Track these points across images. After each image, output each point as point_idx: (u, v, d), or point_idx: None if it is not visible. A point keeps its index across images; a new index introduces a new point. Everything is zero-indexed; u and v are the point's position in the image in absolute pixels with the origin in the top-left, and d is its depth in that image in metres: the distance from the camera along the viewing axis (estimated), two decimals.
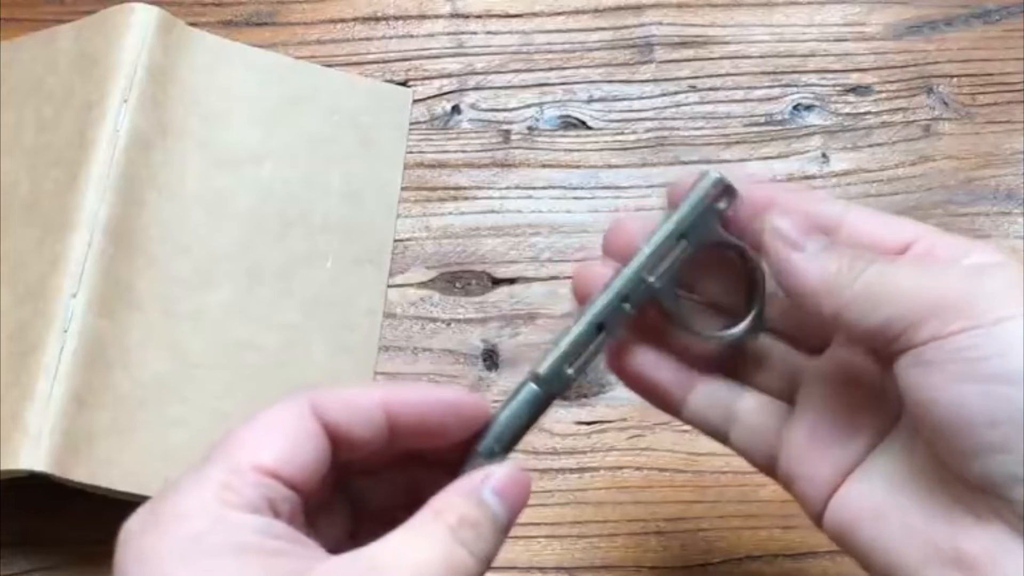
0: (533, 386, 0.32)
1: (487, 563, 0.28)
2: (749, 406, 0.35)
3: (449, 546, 0.27)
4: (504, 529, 0.29)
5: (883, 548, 0.30)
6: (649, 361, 0.35)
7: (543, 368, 0.33)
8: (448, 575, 0.27)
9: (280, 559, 0.26)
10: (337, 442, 0.29)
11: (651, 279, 0.33)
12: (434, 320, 0.52)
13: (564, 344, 0.33)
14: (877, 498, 0.31)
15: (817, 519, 0.33)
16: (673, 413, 0.36)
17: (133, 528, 0.27)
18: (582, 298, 0.34)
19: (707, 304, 0.36)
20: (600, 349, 0.33)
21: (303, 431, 0.28)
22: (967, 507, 0.28)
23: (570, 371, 0.33)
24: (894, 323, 0.28)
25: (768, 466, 0.35)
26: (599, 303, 0.33)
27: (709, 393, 0.35)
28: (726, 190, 0.33)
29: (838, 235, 0.31)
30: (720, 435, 0.36)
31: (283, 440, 0.28)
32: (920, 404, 0.28)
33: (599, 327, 0.33)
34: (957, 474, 0.28)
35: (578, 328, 0.33)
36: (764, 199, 0.33)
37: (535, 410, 0.32)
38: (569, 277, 0.53)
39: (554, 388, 0.33)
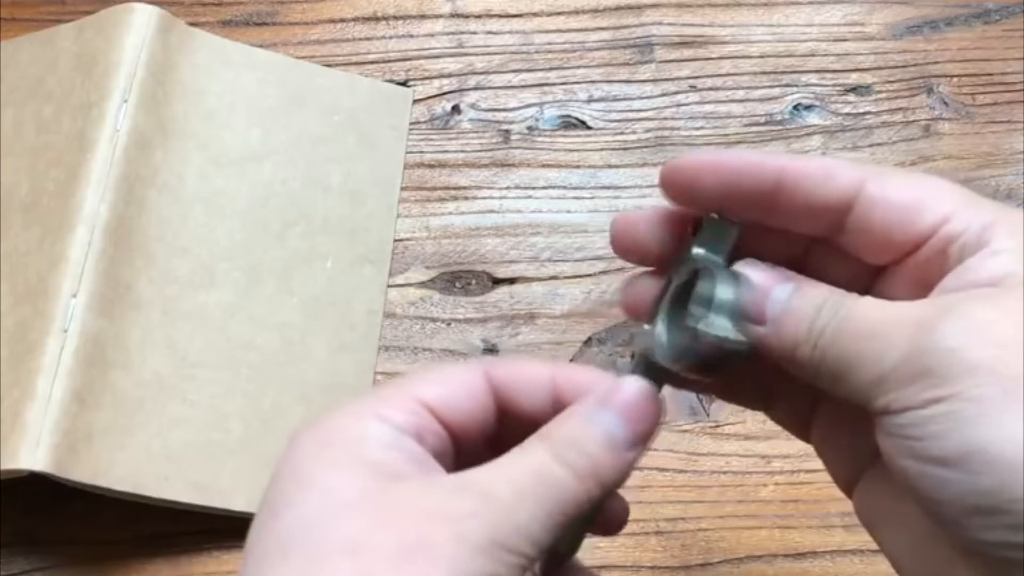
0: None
1: (599, 482, 0.28)
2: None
3: (542, 461, 0.27)
4: (626, 446, 0.28)
5: (892, 553, 0.30)
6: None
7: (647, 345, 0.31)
8: (541, 489, 0.27)
9: (391, 472, 0.27)
10: (504, 408, 0.30)
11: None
12: (434, 320, 0.52)
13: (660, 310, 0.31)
14: (890, 502, 0.30)
15: (850, 498, 0.33)
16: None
17: (301, 426, 0.29)
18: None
19: None
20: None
21: (470, 382, 0.30)
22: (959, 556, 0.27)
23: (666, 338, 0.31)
24: (853, 396, 0.27)
25: (801, 433, 0.34)
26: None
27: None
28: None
29: (854, 209, 0.29)
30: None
31: (448, 383, 0.29)
32: (887, 461, 0.27)
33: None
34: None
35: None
36: (776, 173, 0.30)
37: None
38: (569, 277, 0.53)
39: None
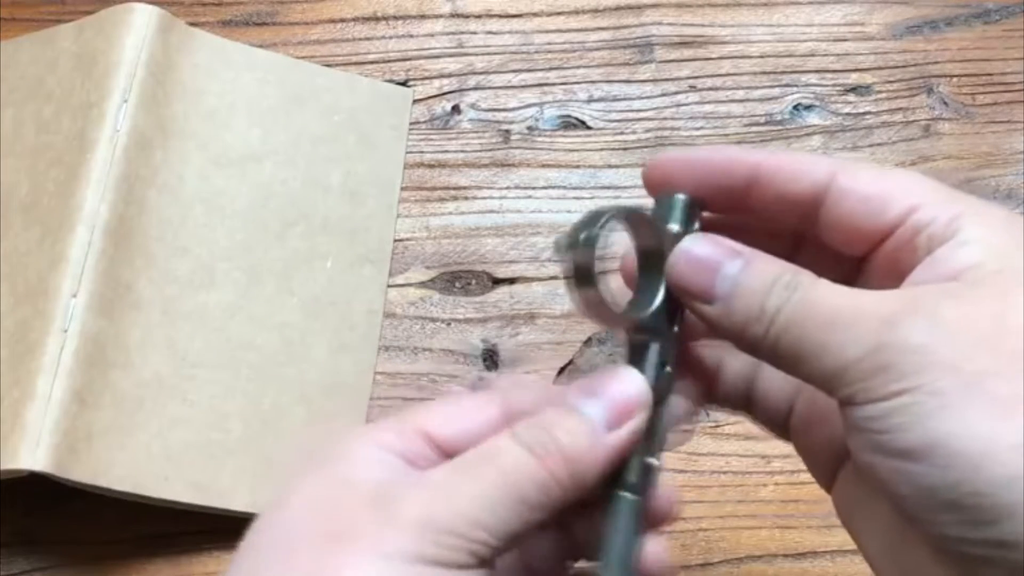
0: (628, 496, 0.29)
1: (571, 466, 0.27)
2: (768, 372, 0.33)
3: (496, 443, 0.27)
4: (606, 428, 0.28)
5: (867, 551, 0.30)
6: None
7: (632, 475, 0.29)
8: (488, 472, 0.26)
9: (363, 483, 0.27)
10: None
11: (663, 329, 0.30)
12: (434, 320, 0.52)
13: (641, 447, 0.29)
14: (864, 498, 0.30)
15: (829, 494, 0.33)
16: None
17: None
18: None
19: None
20: (664, 420, 0.30)
21: (482, 413, 0.29)
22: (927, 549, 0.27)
23: (653, 460, 0.30)
24: (813, 380, 0.27)
25: (783, 432, 0.34)
26: (649, 379, 0.30)
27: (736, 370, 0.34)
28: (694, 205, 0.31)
29: (826, 201, 0.29)
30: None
31: (455, 414, 0.29)
32: (853, 455, 0.27)
33: (656, 403, 0.30)
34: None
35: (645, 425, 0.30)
36: (750, 169, 0.30)
37: (638, 520, 0.29)
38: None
39: (647, 485, 0.29)
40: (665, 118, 0.57)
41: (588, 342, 0.52)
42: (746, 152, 0.30)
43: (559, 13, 0.60)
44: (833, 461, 0.32)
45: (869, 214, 0.28)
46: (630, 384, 0.29)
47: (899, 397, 0.25)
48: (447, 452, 0.28)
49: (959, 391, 0.24)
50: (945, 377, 0.24)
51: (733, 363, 0.33)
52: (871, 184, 0.29)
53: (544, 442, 0.27)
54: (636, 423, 0.28)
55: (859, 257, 0.29)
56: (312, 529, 0.26)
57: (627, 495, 0.29)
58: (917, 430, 0.24)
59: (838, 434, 0.30)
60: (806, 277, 0.27)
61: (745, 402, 0.34)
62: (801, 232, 0.31)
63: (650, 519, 0.30)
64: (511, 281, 0.53)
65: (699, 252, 0.29)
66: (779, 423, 0.34)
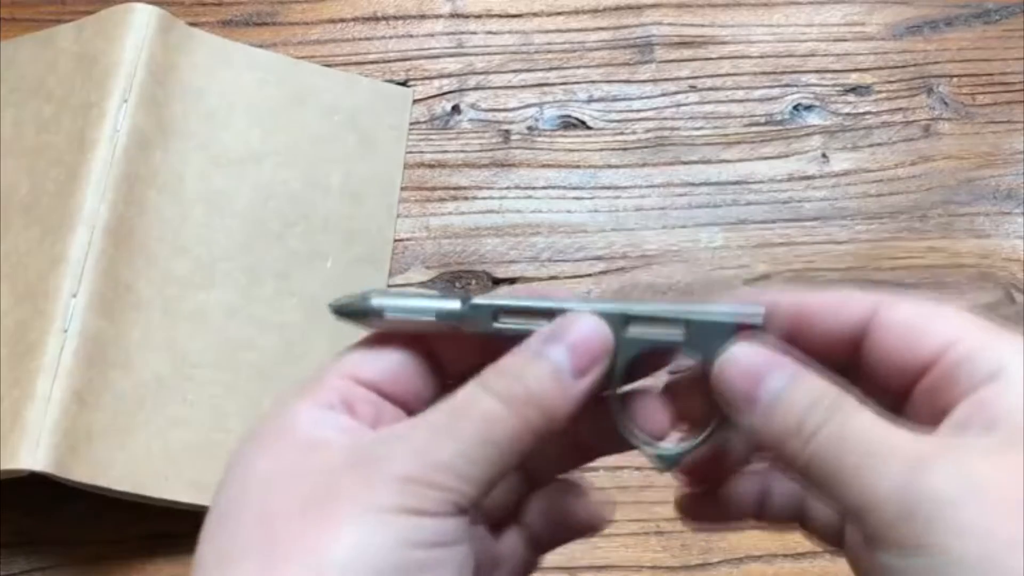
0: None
1: (542, 411, 0.27)
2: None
3: (466, 393, 0.27)
4: (574, 374, 0.28)
5: None
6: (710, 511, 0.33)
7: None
8: (463, 423, 0.26)
9: (316, 445, 0.27)
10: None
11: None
12: None
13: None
14: None
15: None
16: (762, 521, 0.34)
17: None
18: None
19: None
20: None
21: (392, 340, 0.29)
22: None
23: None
24: (842, 511, 0.27)
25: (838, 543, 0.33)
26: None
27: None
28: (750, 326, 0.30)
29: (868, 336, 0.29)
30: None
31: (381, 354, 0.29)
32: None
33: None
34: None
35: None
36: (793, 309, 0.30)
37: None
38: (569, 277, 0.53)
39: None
40: (665, 118, 0.57)
41: None
42: (788, 294, 0.30)
43: (559, 13, 0.60)
44: None
45: (908, 347, 0.28)
46: (592, 329, 0.29)
47: (922, 555, 0.24)
48: (382, 391, 0.29)
49: (983, 564, 0.23)
50: (971, 544, 0.24)
51: (785, 480, 0.33)
52: (911, 316, 0.28)
53: (515, 391, 0.27)
54: (600, 367, 0.29)
55: (903, 392, 0.29)
56: (286, 499, 0.26)
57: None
58: None
59: None
60: (849, 402, 0.27)
61: (798, 515, 0.34)
62: (850, 363, 0.30)
63: (579, 525, 0.31)
64: (511, 281, 0.53)
65: (747, 360, 0.29)
66: (832, 535, 0.33)
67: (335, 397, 0.28)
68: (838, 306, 0.29)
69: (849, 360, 0.29)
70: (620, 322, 0.29)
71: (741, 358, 0.29)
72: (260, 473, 0.27)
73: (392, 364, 0.29)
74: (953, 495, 0.24)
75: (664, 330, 0.29)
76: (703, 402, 0.31)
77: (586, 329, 0.29)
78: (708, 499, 0.33)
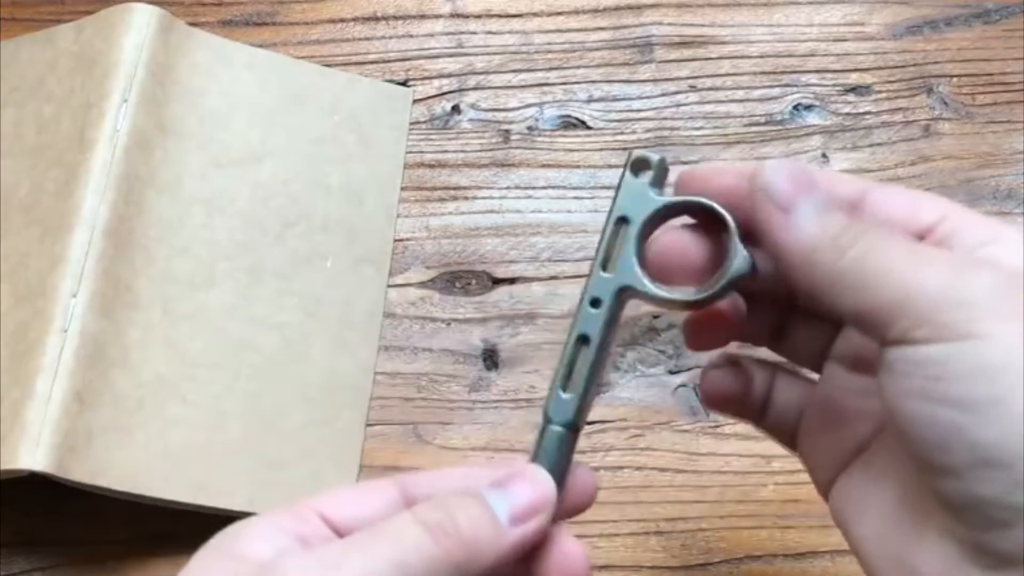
0: (554, 428, 0.31)
1: (469, 550, 0.27)
2: (782, 384, 0.34)
3: (396, 520, 0.27)
4: (510, 522, 0.28)
5: (859, 549, 0.30)
6: (723, 379, 0.34)
7: (549, 408, 0.31)
8: (378, 545, 0.26)
9: (257, 561, 0.27)
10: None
11: (609, 275, 0.32)
12: (434, 320, 0.52)
13: (556, 373, 0.31)
14: (862, 497, 0.30)
15: (826, 500, 0.33)
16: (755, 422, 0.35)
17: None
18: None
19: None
20: (596, 363, 0.32)
21: (380, 495, 0.29)
22: (933, 520, 0.27)
23: (566, 395, 0.31)
24: (874, 312, 0.26)
25: (791, 444, 0.35)
26: (576, 317, 0.32)
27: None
28: (644, 163, 0.32)
29: (859, 214, 0.29)
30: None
31: (352, 497, 0.29)
32: (886, 408, 0.27)
33: (582, 339, 0.32)
34: (924, 484, 0.27)
35: (565, 351, 0.32)
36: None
37: (565, 447, 0.31)
38: (569, 277, 0.53)
39: (570, 420, 0.31)
40: (665, 118, 0.57)
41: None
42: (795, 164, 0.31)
43: (559, 13, 0.60)
44: (837, 467, 0.32)
45: (902, 218, 0.29)
46: (538, 485, 0.29)
47: (968, 342, 0.24)
48: (344, 533, 0.28)
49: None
50: (1014, 327, 0.24)
51: (758, 375, 0.34)
52: (903, 195, 0.30)
53: (443, 523, 0.27)
54: (540, 520, 0.29)
55: None
56: None
57: (554, 428, 0.31)
58: (981, 381, 0.24)
59: (846, 439, 0.30)
60: (880, 225, 0.28)
61: (755, 412, 0.35)
62: None
63: (567, 506, 0.31)
64: (511, 281, 0.53)
65: (792, 168, 0.29)
66: (787, 431, 0.34)
67: (291, 523, 0.28)
68: (830, 186, 0.30)
69: None
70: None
71: (787, 164, 0.29)
72: (196, 572, 0.28)
73: (362, 513, 0.29)
74: (999, 287, 0.25)
75: None
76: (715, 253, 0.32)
77: (531, 486, 0.29)
78: (713, 320, 0.33)
